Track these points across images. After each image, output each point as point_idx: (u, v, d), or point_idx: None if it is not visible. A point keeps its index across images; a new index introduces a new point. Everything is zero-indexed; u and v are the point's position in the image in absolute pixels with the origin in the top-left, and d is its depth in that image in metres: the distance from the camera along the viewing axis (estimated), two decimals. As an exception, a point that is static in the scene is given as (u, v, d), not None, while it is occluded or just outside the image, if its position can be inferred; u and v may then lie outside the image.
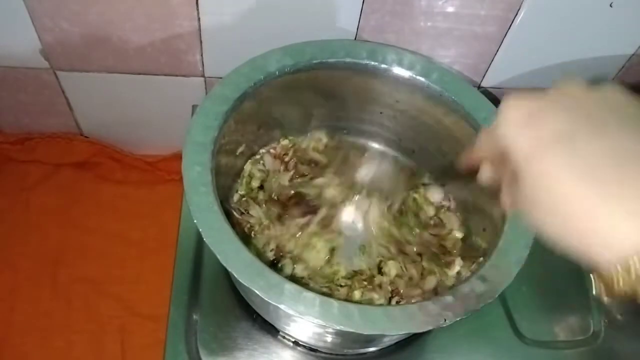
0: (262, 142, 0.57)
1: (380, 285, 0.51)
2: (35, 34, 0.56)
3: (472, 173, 0.33)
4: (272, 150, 0.58)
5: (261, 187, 0.56)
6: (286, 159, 0.58)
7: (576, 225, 0.24)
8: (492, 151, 0.29)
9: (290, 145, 0.59)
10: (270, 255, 0.51)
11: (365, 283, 0.51)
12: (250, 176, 0.56)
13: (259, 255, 0.50)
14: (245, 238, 0.51)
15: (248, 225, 0.53)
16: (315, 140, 0.59)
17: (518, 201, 0.27)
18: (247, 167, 0.56)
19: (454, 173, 0.55)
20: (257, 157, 0.57)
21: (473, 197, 0.53)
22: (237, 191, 0.55)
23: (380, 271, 0.52)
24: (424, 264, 0.53)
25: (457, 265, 0.52)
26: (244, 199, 0.55)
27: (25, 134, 0.70)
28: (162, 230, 0.65)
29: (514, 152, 0.26)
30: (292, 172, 0.56)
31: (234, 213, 0.53)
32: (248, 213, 0.53)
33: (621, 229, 0.22)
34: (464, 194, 0.56)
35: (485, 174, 0.32)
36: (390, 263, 0.52)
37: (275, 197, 0.55)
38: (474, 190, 0.52)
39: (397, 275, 0.52)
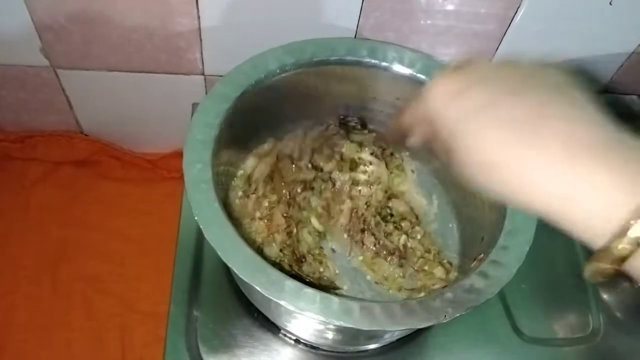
0: (262, 140, 0.57)
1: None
2: (35, 32, 0.56)
3: (399, 141, 0.37)
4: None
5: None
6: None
7: (505, 175, 0.26)
8: (420, 121, 0.33)
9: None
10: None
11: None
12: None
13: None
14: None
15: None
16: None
17: (452, 164, 0.29)
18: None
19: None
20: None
21: (465, 204, 0.53)
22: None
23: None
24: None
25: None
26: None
27: (25, 132, 0.70)
28: (162, 228, 0.65)
29: (444, 122, 0.29)
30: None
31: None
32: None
33: (543, 175, 0.25)
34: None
35: (415, 139, 0.35)
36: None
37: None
38: (466, 198, 0.53)
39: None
